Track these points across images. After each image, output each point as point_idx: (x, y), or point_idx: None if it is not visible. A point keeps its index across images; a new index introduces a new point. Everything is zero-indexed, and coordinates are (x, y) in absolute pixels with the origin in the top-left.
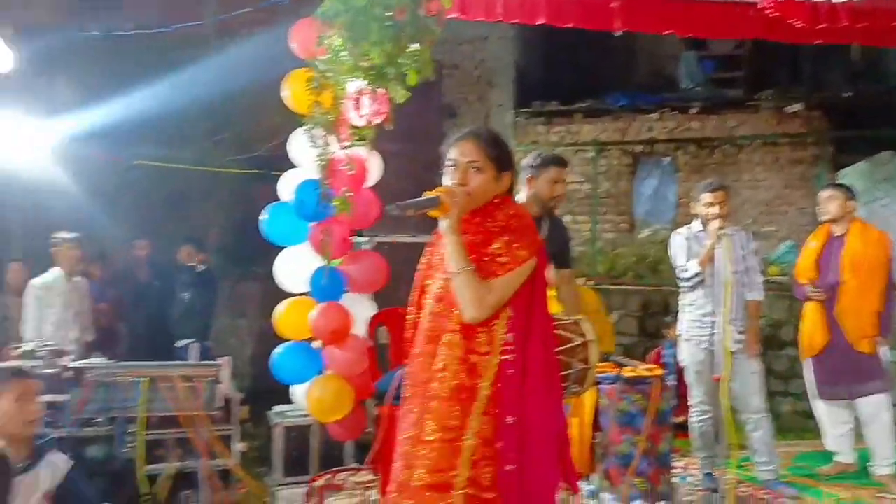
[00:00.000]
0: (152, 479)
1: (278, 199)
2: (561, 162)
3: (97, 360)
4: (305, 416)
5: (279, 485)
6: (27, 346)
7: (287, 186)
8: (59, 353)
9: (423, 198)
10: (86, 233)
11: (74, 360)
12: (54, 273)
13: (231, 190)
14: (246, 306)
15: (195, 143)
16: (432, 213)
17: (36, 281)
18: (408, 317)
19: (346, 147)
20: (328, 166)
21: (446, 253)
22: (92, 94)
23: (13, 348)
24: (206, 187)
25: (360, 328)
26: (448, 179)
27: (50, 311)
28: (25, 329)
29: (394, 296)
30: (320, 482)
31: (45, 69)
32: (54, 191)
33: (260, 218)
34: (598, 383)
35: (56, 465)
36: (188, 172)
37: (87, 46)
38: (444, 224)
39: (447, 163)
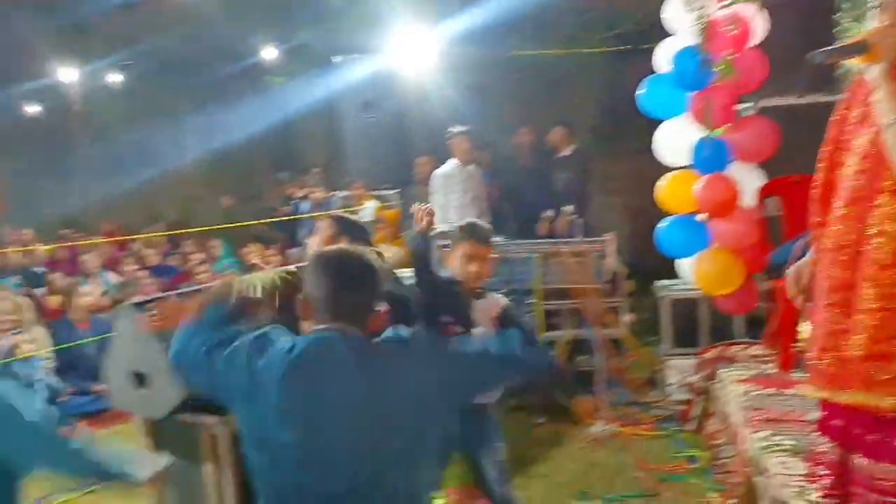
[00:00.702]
0: (551, 344)
1: (650, 73)
2: None
3: (496, 238)
4: (691, 289)
5: (668, 355)
6: (441, 228)
7: (663, 57)
8: None
9: (847, 43)
10: (473, 125)
11: None
12: (452, 163)
13: (601, 68)
14: (622, 184)
15: (565, 26)
16: (860, 60)
17: (438, 171)
18: (817, 173)
19: (726, 6)
20: (708, 29)
21: (878, 103)
22: None
23: None
24: (577, 69)
25: (747, 199)
26: (875, 22)
27: (452, 196)
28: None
29: (784, 164)
30: (711, 354)
31: None
32: (445, 89)
33: (636, 93)
34: None
35: (500, 299)
36: (560, 56)
37: None
38: (874, 71)
39: (871, 4)
